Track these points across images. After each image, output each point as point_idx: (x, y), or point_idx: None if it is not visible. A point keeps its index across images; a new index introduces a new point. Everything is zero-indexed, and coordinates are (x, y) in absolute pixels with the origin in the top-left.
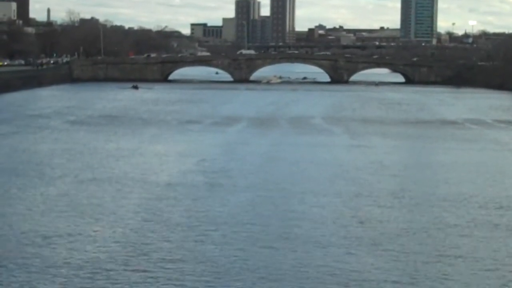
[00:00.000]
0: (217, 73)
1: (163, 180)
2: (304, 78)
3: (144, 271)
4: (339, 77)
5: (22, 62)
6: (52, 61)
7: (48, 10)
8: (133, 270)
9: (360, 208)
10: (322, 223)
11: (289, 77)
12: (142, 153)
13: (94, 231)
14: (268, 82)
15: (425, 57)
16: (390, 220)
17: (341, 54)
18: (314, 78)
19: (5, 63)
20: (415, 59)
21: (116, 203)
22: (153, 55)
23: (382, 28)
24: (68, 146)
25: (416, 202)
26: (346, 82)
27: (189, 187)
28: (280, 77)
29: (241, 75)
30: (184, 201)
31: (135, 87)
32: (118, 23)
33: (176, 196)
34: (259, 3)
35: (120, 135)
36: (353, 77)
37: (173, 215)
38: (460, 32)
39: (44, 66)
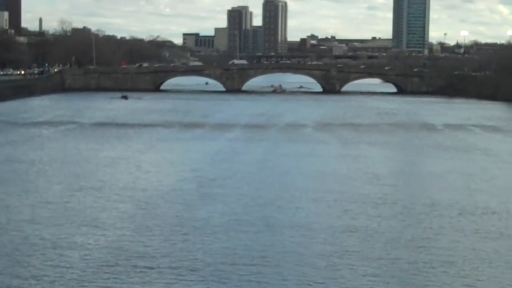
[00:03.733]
0: (207, 83)
1: (153, 189)
2: (300, 87)
3: (133, 278)
4: (331, 87)
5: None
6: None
7: (40, 20)
8: (120, 278)
9: (350, 216)
10: (311, 232)
11: (286, 87)
12: (132, 163)
13: (83, 239)
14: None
15: (418, 67)
16: (377, 228)
17: (333, 64)
18: (309, 88)
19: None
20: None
21: (106, 211)
22: (145, 64)
23: (374, 38)
24: (57, 155)
25: (405, 211)
26: (338, 92)
27: (179, 196)
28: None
29: (233, 85)
30: (173, 209)
31: (125, 97)
32: (110, 33)
33: (165, 204)
34: (251, 13)
35: (109, 144)
36: (345, 87)
37: (163, 224)
38: (451, 42)
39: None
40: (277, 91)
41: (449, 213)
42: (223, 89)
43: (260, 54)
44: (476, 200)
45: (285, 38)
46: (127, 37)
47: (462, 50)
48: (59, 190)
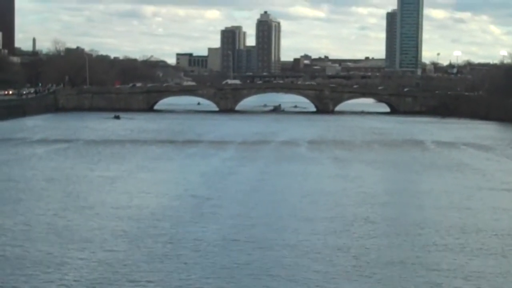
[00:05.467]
0: (199, 103)
1: (146, 208)
2: (295, 106)
3: None
4: (324, 107)
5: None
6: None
7: (34, 40)
8: None
9: (342, 235)
10: (304, 252)
11: (283, 107)
12: (124, 182)
13: (75, 258)
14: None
15: (411, 87)
16: (368, 247)
17: (326, 84)
18: (304, 108)
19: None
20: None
21: (98, 230)
22: (138, 84)
23: (367, 58)
24: (51, 174)
25: (396, 230)
26: (332, 112)
27: (171, 215)
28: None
29: (227, 104)
30: (166, 228)
31: (117, 117)
32: (103, 53)
33: (157, 224)
34: (244, 33)
35: (102, 164)
36: (339, 107)
37: (155, 242)
38: (444, 62)
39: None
40: (277, 110)
41: (440, 232)
42: (216, 109)
43: (251, 74)
44: (468, 219)
45: (279, 58)
46: (121, 57)
47: (455, 70)
48: (53, 209)
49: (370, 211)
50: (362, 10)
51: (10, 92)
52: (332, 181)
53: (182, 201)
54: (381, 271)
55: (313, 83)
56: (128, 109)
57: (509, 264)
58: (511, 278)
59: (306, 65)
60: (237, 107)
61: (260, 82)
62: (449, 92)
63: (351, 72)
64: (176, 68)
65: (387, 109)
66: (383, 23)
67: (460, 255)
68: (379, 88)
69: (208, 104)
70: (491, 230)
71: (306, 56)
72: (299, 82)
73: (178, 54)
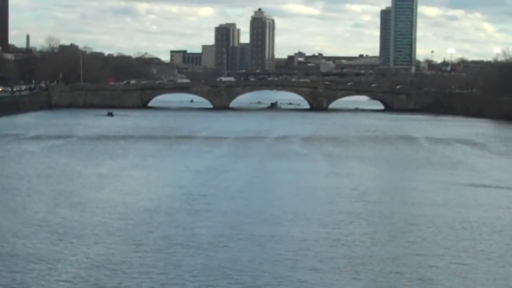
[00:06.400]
0: (192, 100)
1: (139, 204)
2: (289, 103)
3: None
4: (318, 104)
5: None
6: None
7: (28, 37)
8: None
9: (335, 231)
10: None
11: (280, 104)
12: (118, 179)
13: (68, 254)
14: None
15: (404, 84)
16: (362, 243)
17: (320, 82)
18: (299, 105)
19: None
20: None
21: (92, 227)
22: (132, 81)
23: (361, 55)
24: (44, 171)
25: (388, 226)
26: (326, 109)
27: (165, 212)
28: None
29: (221, 102)
30: (160, 225)
31: (110, 114)
32: (97, 50)
33: (151, 220)
34: (238, 30)
35: (96, 161)
36: (332, 104)
37: (148, 239)
38: (438, 60)
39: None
40: (274, 107)
41: (432, 228)
42: (210, 106)
43: (245, 71)
44: (461, 216)
45: (273, 55)
46: (115, 54)
47: (449, 68)
48: (46, 205)
49: (363, 208)
50: (356, 8)
51: (0, 89)
52: (326, 178)
53: (176, 198)
54: (373, 267)
55: (307, 80)
56: (122, 106)
57: (500, 260)
58: (502, 274)
59: (300, 62)
60: (231, 105)
61: (254, 79)
62: (443, 90)
63: (345, 70)
64: (170, 65)
65: (381, 107)
66: (377, 20)
67: (452, 251)
68: (373, 85)
69: (202, 102)
70: (483, 227)
71: (300, 54)
72: (293, 80)
73: (172, 51)
